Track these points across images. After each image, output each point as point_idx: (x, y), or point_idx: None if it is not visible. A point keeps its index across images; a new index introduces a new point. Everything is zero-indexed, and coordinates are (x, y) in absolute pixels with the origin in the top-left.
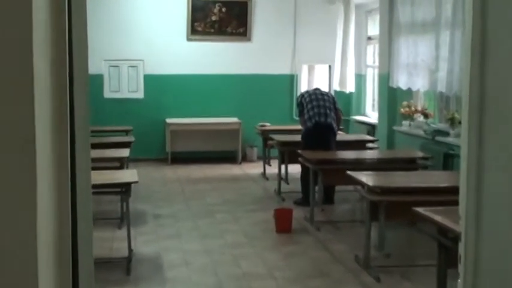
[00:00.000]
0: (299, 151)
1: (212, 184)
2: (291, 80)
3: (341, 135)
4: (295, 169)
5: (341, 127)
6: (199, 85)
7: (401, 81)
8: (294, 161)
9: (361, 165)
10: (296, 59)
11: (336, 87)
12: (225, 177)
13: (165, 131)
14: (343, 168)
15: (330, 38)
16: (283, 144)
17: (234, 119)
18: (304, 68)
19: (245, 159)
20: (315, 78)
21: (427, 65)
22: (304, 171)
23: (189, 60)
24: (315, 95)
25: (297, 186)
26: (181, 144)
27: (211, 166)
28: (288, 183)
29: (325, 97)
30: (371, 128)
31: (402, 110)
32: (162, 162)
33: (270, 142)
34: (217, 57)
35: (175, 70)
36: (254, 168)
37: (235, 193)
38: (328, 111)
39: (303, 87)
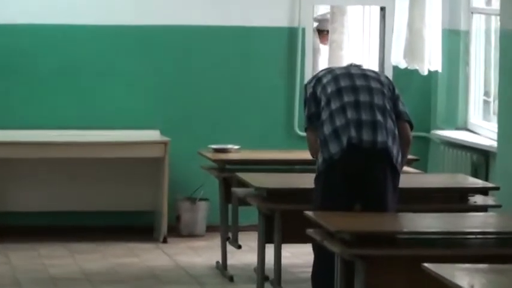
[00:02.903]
0: (308, 213)
1: None
2: (290, 40)
3: (407, 178)
4: (300, 256)
5: (410, 157)
6: (62, 51)
7: None
8: (296, 237)
9: (459, 248)
10: None
11: (396, 60)
12: (129, 277)
13: None
14: (416, 256)
15: None
16: (272, 195)
17: (151, 134)
18: (321, 13)
19: (176, 231)
20: (346, 40)
21: None
22: (321, 261)
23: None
24: (348, 79)
25: None
26: (19, 193)
27: (93, 248)
28: None
29: (373, 84)
30: (482, 159)
31: None
32: None
33: (238, 191)
34: None
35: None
36: (199, 254)
37: None
38: (378, 117)
39: (320, 62)
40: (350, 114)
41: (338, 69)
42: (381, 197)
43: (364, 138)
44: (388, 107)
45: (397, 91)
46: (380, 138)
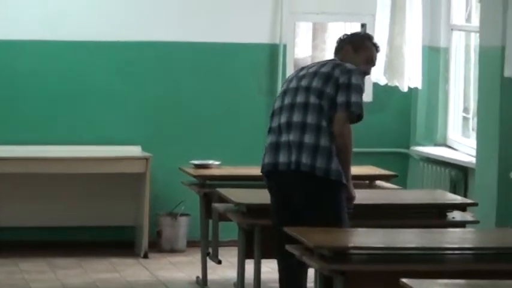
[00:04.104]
0: (287, 229)
1: None
2: (271, 57)
3: (386, 194)
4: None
5: (389, 173)
6: (43, 67)
7: None
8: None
9: (438, 264)
10: (285, 9)
11: (376, 77)
12: None
13: None
14: (394, 271)
15: None
16: (252, 211)
17: (133, 150)
18: (304, 30)
19: (157, 246)
20: (327, 57)
21: None
22: (292, 272)
23: (28, 13)
24: (290, 94)
25: None
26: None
27: (74, 263)
28: None
29: (312, 92)
30: (460, 175)
31: None
32: None
33: (218, 206)
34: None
35: None
36: (180, 269)
37: None
38: (300, 136)
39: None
40: (272, 136)
41: (295, 73)
42: (303, 213)
43: (280, 161)
44: (323, 119)
45: (345, 81)
46: (295, 158)
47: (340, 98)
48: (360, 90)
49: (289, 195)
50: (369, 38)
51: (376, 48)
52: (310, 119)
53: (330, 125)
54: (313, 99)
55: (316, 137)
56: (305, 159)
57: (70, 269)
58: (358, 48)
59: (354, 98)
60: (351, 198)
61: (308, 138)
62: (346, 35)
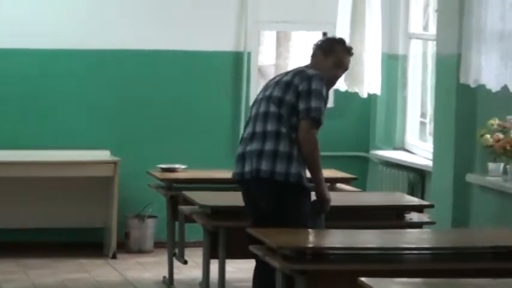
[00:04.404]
0: (251, 230)
1: None
2: (236, 64)
3: (346, 196)
4: (244, 271)
5: (349, 176)
6: (13, 73)
7: (488, 73)
8: (240, 253)
9: (396, 263)
10: (249, 18)
11: (337, 84)
12: None
13: None
14: (354, 271)
15: None
16: (217, 213)
17: (102, 155)
18: (268, 39)
19: (125, 247)
20: (290, 64)
21: None
22: (262, 274)
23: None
24: (256, 105)
25: None
26: None
27: (45, 263)
28: None
29: (272, 102)
30: (418, 178)
31: (489, 137)
32: None
33: (184, 209)
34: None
35: None
36: (147, 269)
37: None
38: (261, 144)
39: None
40: (241, 147)
41: (265, 84)
42: (270, 217)
43: (246, 170)
44: (283, 125)
45: (304, 88)
46: (255, 166)
47: (301, 105)
48: (320, 95)
49: (257, 200)
50: (339, 42)
51: (348, 51)
52: (270, 127)
53: (291, 131)
54: (272, 108)
55: (276, 144)
56: (264, 166)
57: (41, 269)
58: (327, 53)
59: (313, 104)
60: (324, 200)
61: (268, 146)
62: (319, 40)
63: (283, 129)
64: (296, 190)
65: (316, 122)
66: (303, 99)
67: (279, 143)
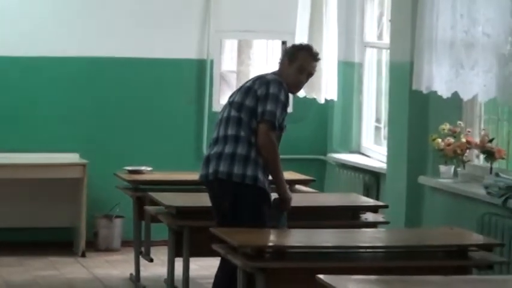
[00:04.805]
0: (213, 229)
1: None
2: (199, 71)
3: (304, 197)
4: (207, 268)
5: (307, 178)
6: None
7: (439, 80)
8: (204, 251)
9: (351, 261)
10: (212, 27)
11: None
12: None
13: None
14: (312, 268)
15: None
16: (181, 213)
17: (71, 157)
18: (229, 47)
19: (94, 246)
20: (252, 71)
21: (496, 45)
22: (224, 273)
23: None
24: (222, 111)
25: None
26: None
27: (16, 261)
28: None
29: (234, 96)
30: (373, 180)
31: (440, 141)
32: None
33: (150, 209)
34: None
35: None
36: (115, 267)
37: None
38: (222, 147)
39: (229, 87)
40: (207, 151)
41: (236, 89)
42: (230, 217)
43: (209, 172)
44: (242, 129)
45: (263, 92)
46: (215, 168)
47: (259, 109)
48: (276, 99)
49: (219, 201)
50: (303, 48)
51: (313, 57)
52: (230, 131)
53: (251, 135)
54: (233, 113)
55: (234, 147)
56: (222, 167)
57: (12, 267)
58: (291, 59)
59: (269, 107)
60: (285, 199)
61: (227, 149)
62: (287, 47)
63: (242, 133)
64: (253, 191)
65: (272, 125)
66: (261, 103)
67: (238, 146)
